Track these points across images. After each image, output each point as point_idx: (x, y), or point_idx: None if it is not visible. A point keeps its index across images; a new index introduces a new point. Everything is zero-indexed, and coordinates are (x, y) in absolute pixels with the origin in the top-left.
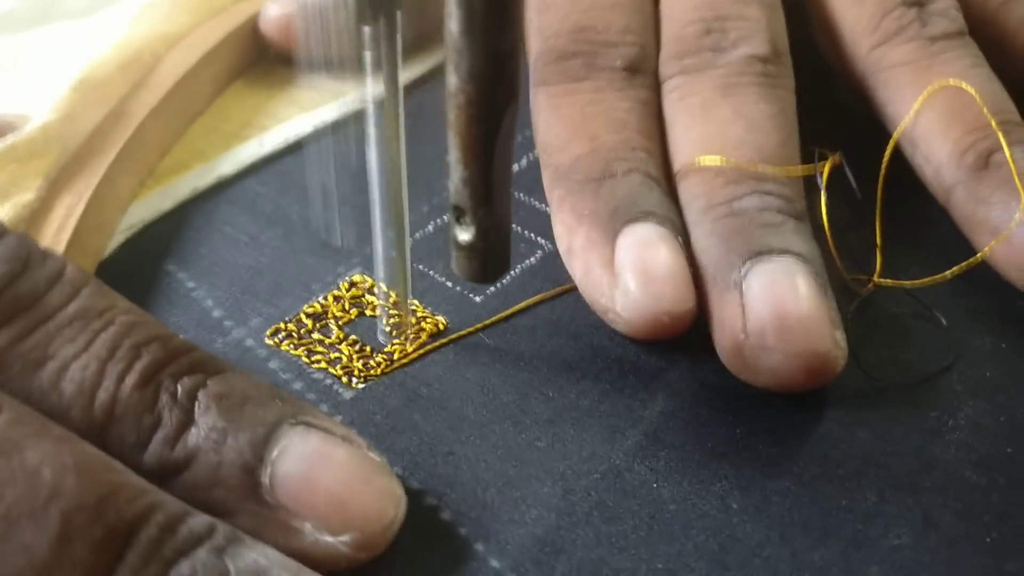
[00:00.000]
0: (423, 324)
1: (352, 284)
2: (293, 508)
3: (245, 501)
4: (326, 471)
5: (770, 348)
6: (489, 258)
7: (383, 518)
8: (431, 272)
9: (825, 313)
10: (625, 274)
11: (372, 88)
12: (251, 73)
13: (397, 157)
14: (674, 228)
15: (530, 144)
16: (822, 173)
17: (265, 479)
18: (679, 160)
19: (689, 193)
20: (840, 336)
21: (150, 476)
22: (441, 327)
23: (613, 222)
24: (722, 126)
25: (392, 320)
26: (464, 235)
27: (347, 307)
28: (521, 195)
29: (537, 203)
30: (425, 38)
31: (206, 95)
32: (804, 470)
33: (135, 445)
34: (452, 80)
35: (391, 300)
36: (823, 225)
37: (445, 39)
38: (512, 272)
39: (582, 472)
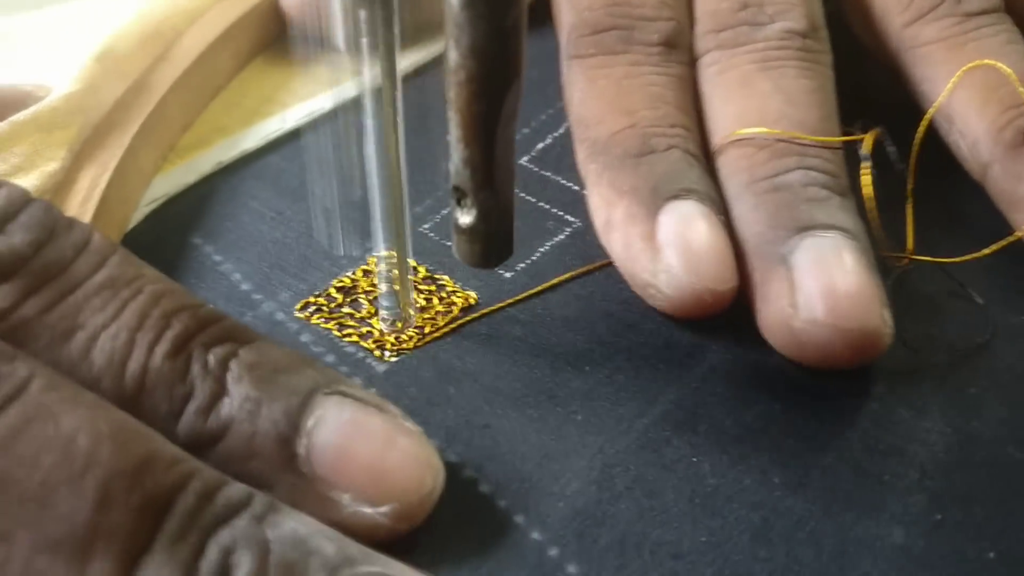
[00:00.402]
0: (453, 298)
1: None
2: (330, 479)
3: (281, 472)
4: (363, 441)
5: (819, 323)
6: (491, 241)
7: (422, 488)
8: None
9: (874, 290)
10: (667, 250)
11: (369, 73)
12: (271, 50)
13: (394, 144)
14: (715, 205)
15: (554, 123)
16: (863, 145)
17: (301, 449)
18: (718, 134)
19: (730, 167)
20: (887, 313)
21: (184, 447)
22: (472, 301)
23: (655, 198)
24: (761, 100)
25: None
26: (465, 218)
27: (376, 281)
28: (548, 173)
29: (564, 181)
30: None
31: (227, 71)
32: (845, 446)
33: (167, 416)
34: (452, 56)
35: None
36: (864, 200)
37: (445, 13)
38: (542, 248)
39: (620, 446)
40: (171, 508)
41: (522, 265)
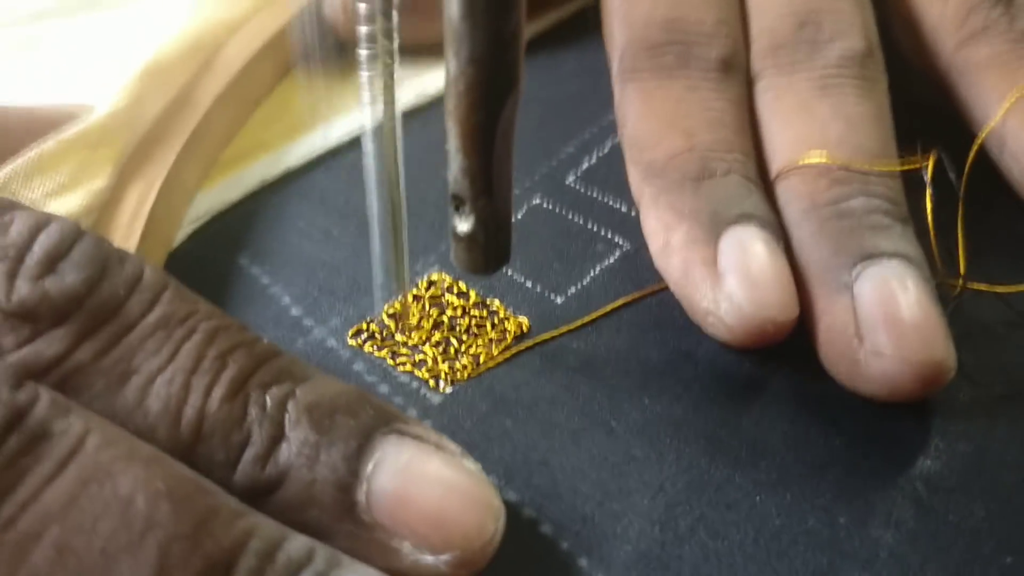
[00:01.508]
0: (506, 324)
1: (431, 283)
2: (390, 527)
3: (341, 521)
4: (423, 486)
5: (884, 354)
6: (489, 249)
7: (484, 534)
8: (509, 271)
9: (939, 320)
10: (729, 277)
11: (368, 70)
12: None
13: (393, 144)
14: (776, 232)
15: (599, 140)
16: (927, 169)
17: (361, 497)
18: (778, 159)
19: (790, 193)
20: (951, 344)
21: (241, 497)
22: (524, 328)
23: (715, 222)
24: (821, 126)
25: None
26: (463, 225)
27: (427, 307)
28: (595, 194)
29: (612, 201)
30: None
31: (269, 82)
32: (908, 483)
33: (224, 464)
34: (452, 65)
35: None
36: (926, 226)
37: (445, 23)
38: (592, 272)
39: (681, 484)
40: (232, 571)
41: (573, 290)
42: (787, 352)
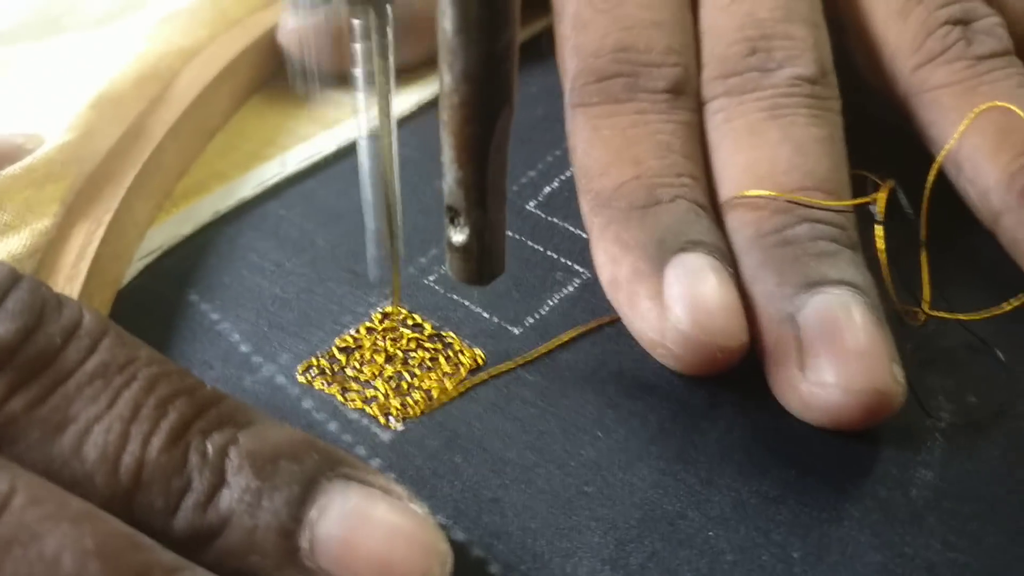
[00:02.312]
0: (460, 358)
1: (385, 315)
2: (336, 573)
3: (284, 568)
4: (368, 531)
5: (828, 384)
6: (483, 259)
7: None
8: (466, 302)
9: (884, 347)
10: (675, 307)
11: (364, 81)
12: (268, 88)
13: (389, 150)
14: (723, 258)
15: (562, 165)
16: (875, 203)
17: (304, 543)
18: (726, 187)
19: (737, 221)
20: (899, 371)
21: (182, 544)
22: (480, 361)
23: (661, 252)
24: (771, 150)
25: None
26: (458, 236)
27: (382, 340)
28: (556, 219)
29: (572, 228)
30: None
31: (224, 111)
32: (864, 515)
33: (164, 511)
34: (446, 80)
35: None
36: (876, 255)
37: (439, 39)
38: (550, 302)
39: (634, 520)
40: None
41: (531, 320)
42: (742, 382)
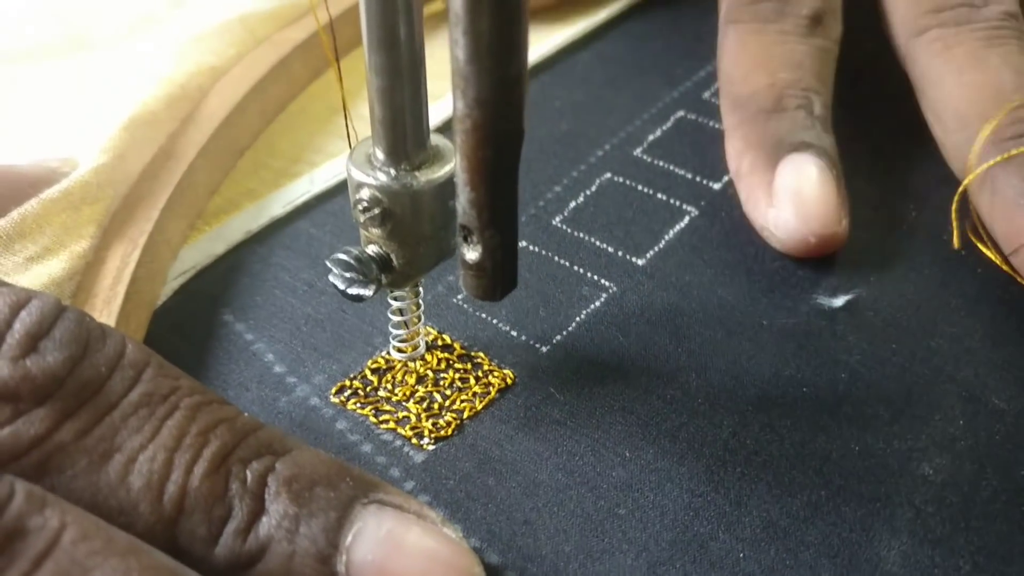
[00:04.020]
0: (490, 378)
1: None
2: None
3: None
4: (402, 556)
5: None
6: (496, 277)
7: None
8: (494, 320)
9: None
10: (781, 196)
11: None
12: (296, 105)
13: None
14: (829, 161)
15: (587, 180)
16: None
17: (341, 568)
18: (952, 105)
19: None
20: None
21: (222, 570)
22: (509, 381)
23: (777, 151)
24: (995, 74)
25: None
26: (471, 254)
27: (411, 362)
28: (582, 234)
29: (598, 242)
30: None
31: (253, 129)
32: (894, 536)
33: (206, 538)
34: (459, 105)
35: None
36: None
37: (451, 66)
38: (578, 317)
39: (665, 542)
40: None
41: (559, 337)
42: (771, 403)
